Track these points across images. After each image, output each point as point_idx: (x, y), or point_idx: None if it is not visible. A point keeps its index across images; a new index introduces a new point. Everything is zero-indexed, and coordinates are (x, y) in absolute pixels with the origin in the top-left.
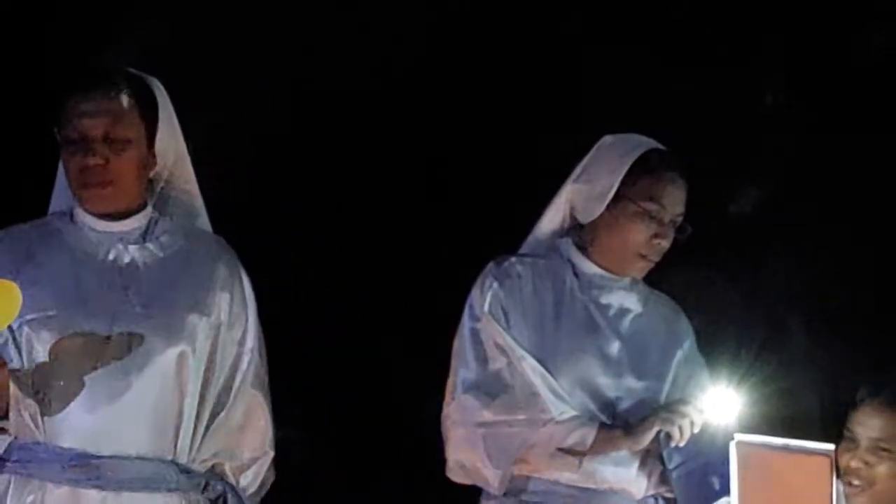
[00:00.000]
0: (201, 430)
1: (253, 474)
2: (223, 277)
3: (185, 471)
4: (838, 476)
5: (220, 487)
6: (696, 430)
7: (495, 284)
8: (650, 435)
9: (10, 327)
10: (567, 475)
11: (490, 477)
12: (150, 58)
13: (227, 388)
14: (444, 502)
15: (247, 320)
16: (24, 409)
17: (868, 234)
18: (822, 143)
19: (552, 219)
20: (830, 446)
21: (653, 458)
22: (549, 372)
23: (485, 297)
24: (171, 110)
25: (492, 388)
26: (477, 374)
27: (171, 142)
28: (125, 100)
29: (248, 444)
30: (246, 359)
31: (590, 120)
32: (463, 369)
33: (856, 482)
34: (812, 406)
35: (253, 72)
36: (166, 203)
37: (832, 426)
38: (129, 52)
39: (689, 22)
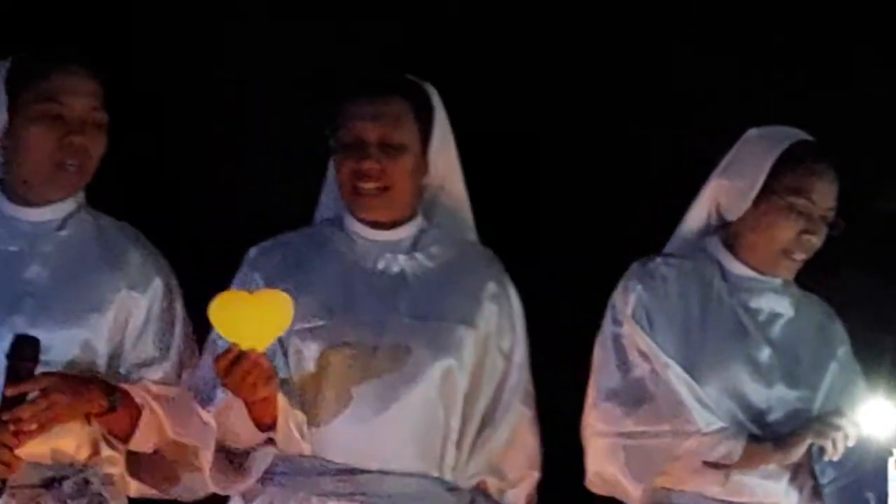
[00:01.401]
0: (467, 445)
1: (518, 494)
2: (492, 290)
3: (452, 488)
4: None
5: None
6: (850, 444)
7: (639, 287)
8: (802, 448)
9: (279, 338)
10: (713, 489)
11: (631, 490)
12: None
13: (495, 403)
14: None
15: (515, 334)
16: (291, 420)
17: None
18: None
19: (697, 216)
20: None
21: (804, 472)
22: (696, 380)
23: (628, 300)
24: (446, 117)
25: (634, 397)
26: (618, 382)
27: (444, 149)
28: (402, 104)
29: (514, 462)
30: (515, 373)
31: (729, 115)
32: (604, 376)
33: None
34: None
35: None
36: (435, 212)
37: None
38: None
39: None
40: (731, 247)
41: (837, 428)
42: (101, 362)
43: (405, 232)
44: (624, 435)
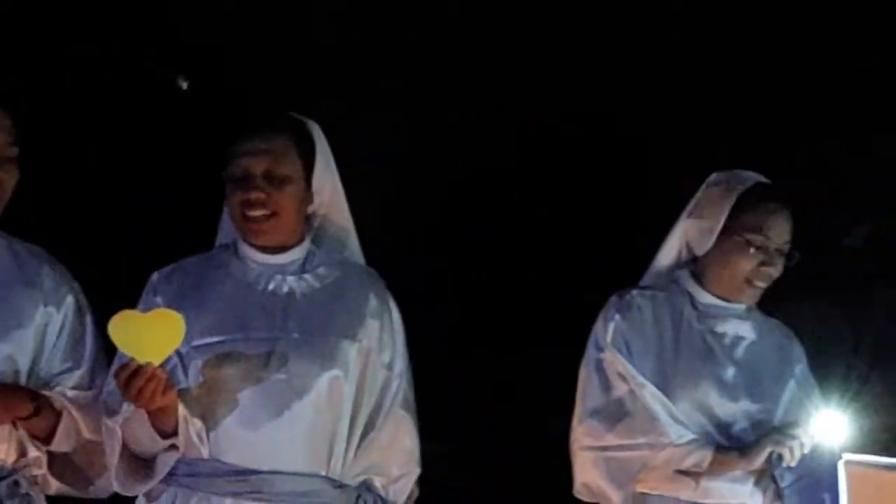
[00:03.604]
0: (353, 448)
1: (401, 488)
2: (374, 307)
3: (339, 485)
4: None
5: (370, 500)
6: (806, 451)
7: (617, 317)
8: (763, 456)
9: (178, 352)
10: (686, 493)
11: (613, 496)
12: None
13: (377, 409)
14: None
15: (394, 346)
16: (191, 427)
17: None
18: None
19: (669, 252)
20: None
21: (767, 476)
22: (669, 397)
23: (608, 328)
24: (328, 150)
25: (614, 414)
26: (600, 401)
27: (326, 179)
28: (284, 140)
29: (397, 460)
30: (395, 382)
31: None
32: (588, 396)
33: None
34: None
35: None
36: (322, 236)
37: None
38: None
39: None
40: (699, 278)
41: (794, 437)
42: (24, 372)
43: (293, 255)
44: (606, 448)
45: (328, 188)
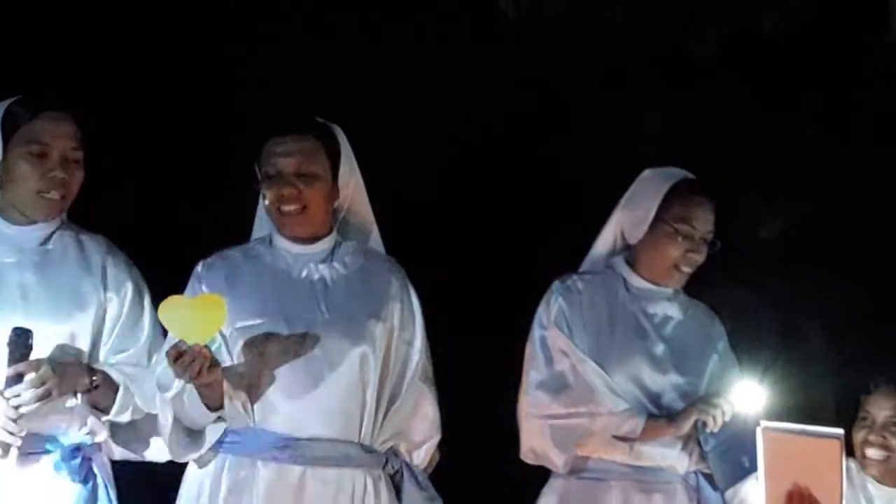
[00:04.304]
0: (380, 416)
1: (423, 453)
2: (395, 290)
3: (369, 450)
4: (850, 454)
5: (397, 464)
6: (727, 419)
7: (560, 299)
8: (689, 423)
9: (222, 333)
10: (621, 456)
11: (556, 459)
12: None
13: (400, 381)
14: (519, 480)
15: (414, 325)
16: (236, 400)
17: (870, 261)
18: (839, 177)
19: (605, 241)
20: (840, 430)
21: (693, 441)
22: (606, 371)
23: (551, 309)
24: (350, 150)
25: (557, 386)
26: (545, 375)
27: (350, 176)
28: (313, 142)
29: (419, 428)
30: (415, 357)
31: (638, 158)
32: (533, 370)
33: (874, 454)
34: (826, 397)
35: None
36: (346, 227)
37: (844, 414)
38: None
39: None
40: (633, 264)
41: (717, 406)
42: (85, 350)
43: (323, 245)
44: (550, 416)
45: (352, 184)
